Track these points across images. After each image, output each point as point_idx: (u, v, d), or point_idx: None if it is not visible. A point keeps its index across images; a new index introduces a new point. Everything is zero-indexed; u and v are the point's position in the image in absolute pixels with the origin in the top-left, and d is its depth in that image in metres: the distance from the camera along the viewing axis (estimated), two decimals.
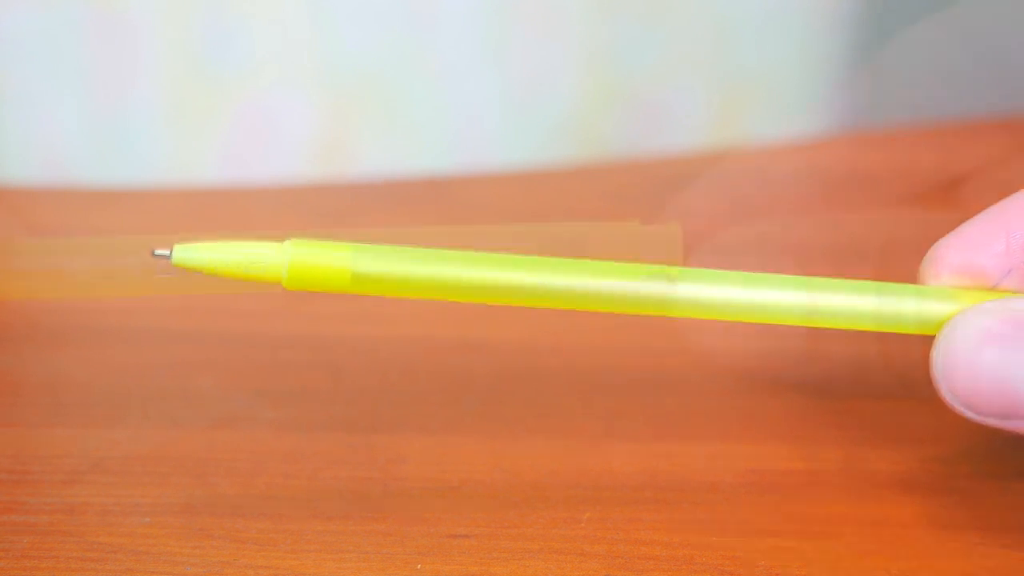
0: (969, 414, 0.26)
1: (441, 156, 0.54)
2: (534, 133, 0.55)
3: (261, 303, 0.38)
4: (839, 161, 0.50)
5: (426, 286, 0.26)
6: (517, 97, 0.54)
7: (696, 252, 0.41)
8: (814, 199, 0.48)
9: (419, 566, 0.27)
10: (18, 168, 0.52)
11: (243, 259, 0.26)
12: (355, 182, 0.50)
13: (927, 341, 0.27)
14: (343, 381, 0.34)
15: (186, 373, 0.34)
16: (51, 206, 0.44)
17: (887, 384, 0.34)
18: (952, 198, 0.45)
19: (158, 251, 0.26)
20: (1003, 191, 0.28)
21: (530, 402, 0.33)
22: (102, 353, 0.35)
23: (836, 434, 0.32)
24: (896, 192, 0.46)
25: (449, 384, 0.34)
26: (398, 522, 0.28)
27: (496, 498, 0.29)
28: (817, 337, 0.32)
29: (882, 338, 0.27)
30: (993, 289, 0.27)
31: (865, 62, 0.60)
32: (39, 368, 0.34)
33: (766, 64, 0.60)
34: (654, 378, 0.34)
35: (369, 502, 0.29)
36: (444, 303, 0.36)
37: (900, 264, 0.40)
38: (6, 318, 0.36)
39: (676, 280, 0.27)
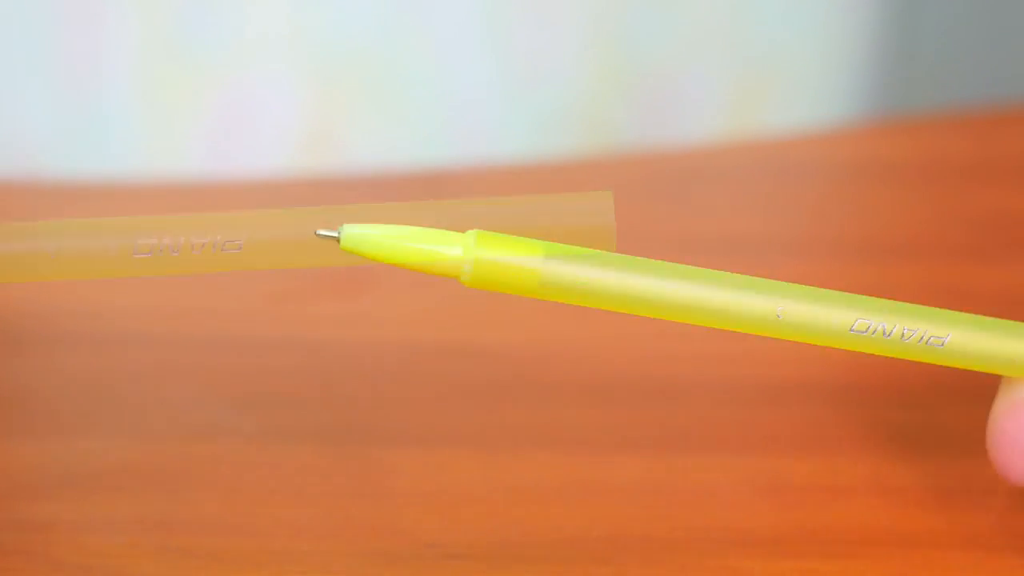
0: None
1: (435, 145, 0.54)
2: (535, 121, 0.55)
3: (243, 304, 0.37)
4: (864, 151, 0.50)
5: (625, 298, 0.25)
6: (517, 81, 0.54)
7: (713, 249, 0.41)
8: (838, 191, 0.48)
9: None
10: None
11: (423, 249, 0.24)
12: (344, 174, 0.50)
13: None
14: (333, 388, 0.34)
15: (162, 381, 0.34)
16: (20, 202, 0.44)
17: (920, 392, 0.33)
18: (985, 191, 0.45)
19: (322, 231, 0.24)
20: None
21: (533, 412, 0.33)
22: (72, 360, 0.35)
23: (864, 446, 0.31)
24: (926, 184, 0.46)
25: (447, 392, 0.34)
26: (389, 541, 0.28)
27: (496, 515, 0.29)
28: None
29: None
30: None
31: (892, 44, 0.60)
32: (4, 376, 0.34)
33: (787, 46, 0.60)
34: (666, 386, 0.34)
35: (359, 519, 0.29)
36: (442, 304, 0.36)
37: (932, 260, 0.41)
38: None
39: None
